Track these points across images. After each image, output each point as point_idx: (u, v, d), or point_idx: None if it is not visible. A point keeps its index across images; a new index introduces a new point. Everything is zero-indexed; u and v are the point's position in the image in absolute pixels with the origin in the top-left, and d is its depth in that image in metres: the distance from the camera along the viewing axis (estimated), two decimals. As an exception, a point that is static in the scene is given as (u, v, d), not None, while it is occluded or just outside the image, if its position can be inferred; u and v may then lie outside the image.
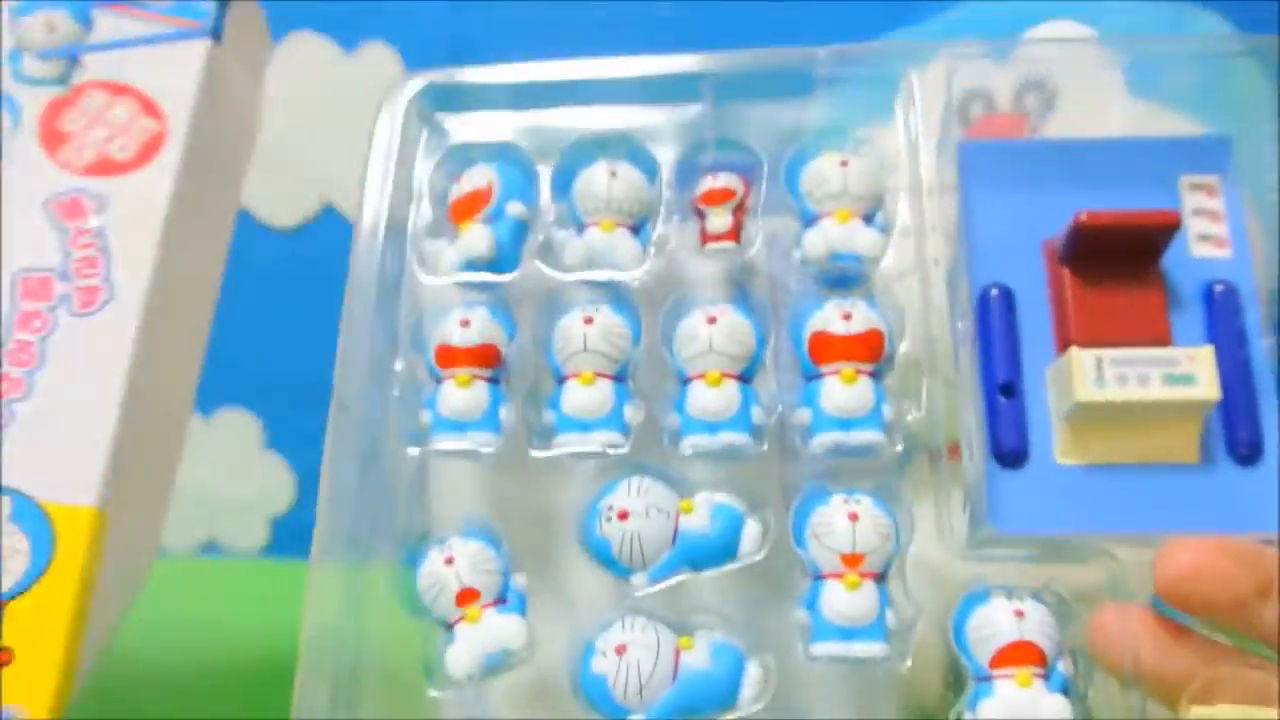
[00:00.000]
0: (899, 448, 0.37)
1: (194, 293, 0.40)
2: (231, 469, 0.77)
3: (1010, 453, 0.37)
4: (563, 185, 0.41)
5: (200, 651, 0.68)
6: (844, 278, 0.39)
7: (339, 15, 0.70)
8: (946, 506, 0.37)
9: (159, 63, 0.38)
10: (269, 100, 0.69)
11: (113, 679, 0.68)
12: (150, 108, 0.37)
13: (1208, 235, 0.40)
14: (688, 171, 0.41)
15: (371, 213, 0.40)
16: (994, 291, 0.39)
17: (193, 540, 0.77)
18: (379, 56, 0.70)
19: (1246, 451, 0.37)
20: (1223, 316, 0.39)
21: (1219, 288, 0.39)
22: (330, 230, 0.72)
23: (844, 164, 0.39)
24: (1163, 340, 0.38)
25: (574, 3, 0.68)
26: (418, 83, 0.42)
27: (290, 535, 0.77)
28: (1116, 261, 0.38)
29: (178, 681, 0.66)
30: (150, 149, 0.37)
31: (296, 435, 0.76)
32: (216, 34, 0.38)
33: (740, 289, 0.40)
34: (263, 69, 0.42)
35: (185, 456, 0.76)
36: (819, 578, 0.36)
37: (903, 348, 0.38)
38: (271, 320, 0.74)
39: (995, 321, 0.39)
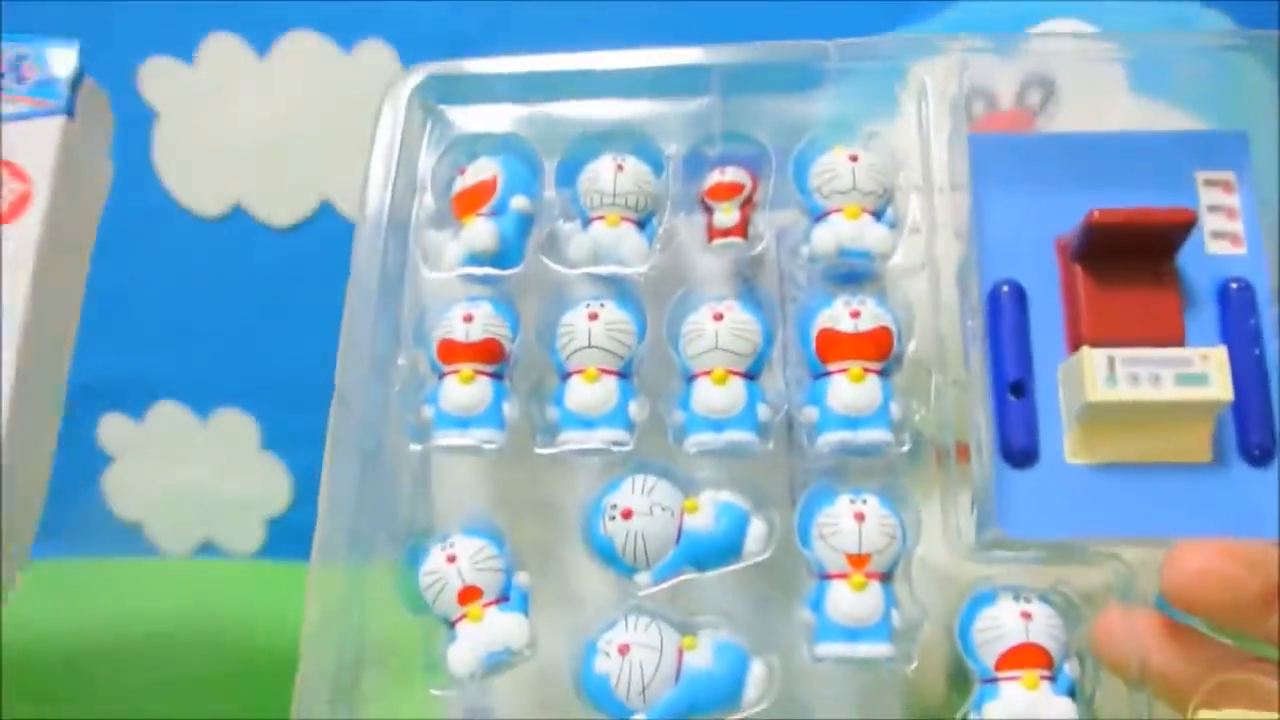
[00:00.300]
0: (905, 448, 0.37)
1: (58, 328, 0.48)
2: (228, 470, 0.77)
3: (1020, 452, 0.38)
4: (568, 178, 0.41)
5: (196, 652, 0.69)
6: (853, 274, 0.39)
7: (337, 14, 0.70)
8: (954, 507, 0.37)
9: (24, 135, 0.45)
10: (268, 98, 0.70)
11: (110, 677, 0.69)
12: (18, 173, 0.45)
13: (1223, 232, 0.40)
14: (695, 165, 0.41)
15: (374, 205, 0.41)
16: (1005, 288, 0.39)
17: (189, 541, 0.78)
18: (377, 55, 0.70)
19: (1259, 453, 0.38)
20: (1237, 315, 0.39)
21: (1234, 286, 0.39)
22: (328, 229, 0.72)
23: (853, 159, 0.39)
24: (1176, 339, 0.38)
25: (574, 2, 0.68)
26: (421, 73, 0.42)
27: (287, 537, 0.78)
28: (1130, 259, 0.39)
29: (174, 681, 0.67)
30: (18, 207, 0.44)
31: (294, 436, 0.77)
32: (70, 112, 0.46)
33: (747, 284, 0.40)
34: (109, 145, 0.50)
35: (182, 458, 0.77)
36: (824, 577, 0.36)
37: (911, 346, 0.39)
38: (269, 320, 0.74)
39: (1006, 319, 0.39)
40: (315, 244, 0.73)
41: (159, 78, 0.71)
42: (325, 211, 0.71)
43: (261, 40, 0.71)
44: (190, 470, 0.78)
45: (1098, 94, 0.46)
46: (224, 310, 0.74)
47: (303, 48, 0.71)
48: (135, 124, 0.71)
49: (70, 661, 0.71)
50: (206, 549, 0.78)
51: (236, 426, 0.77)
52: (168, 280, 0.74)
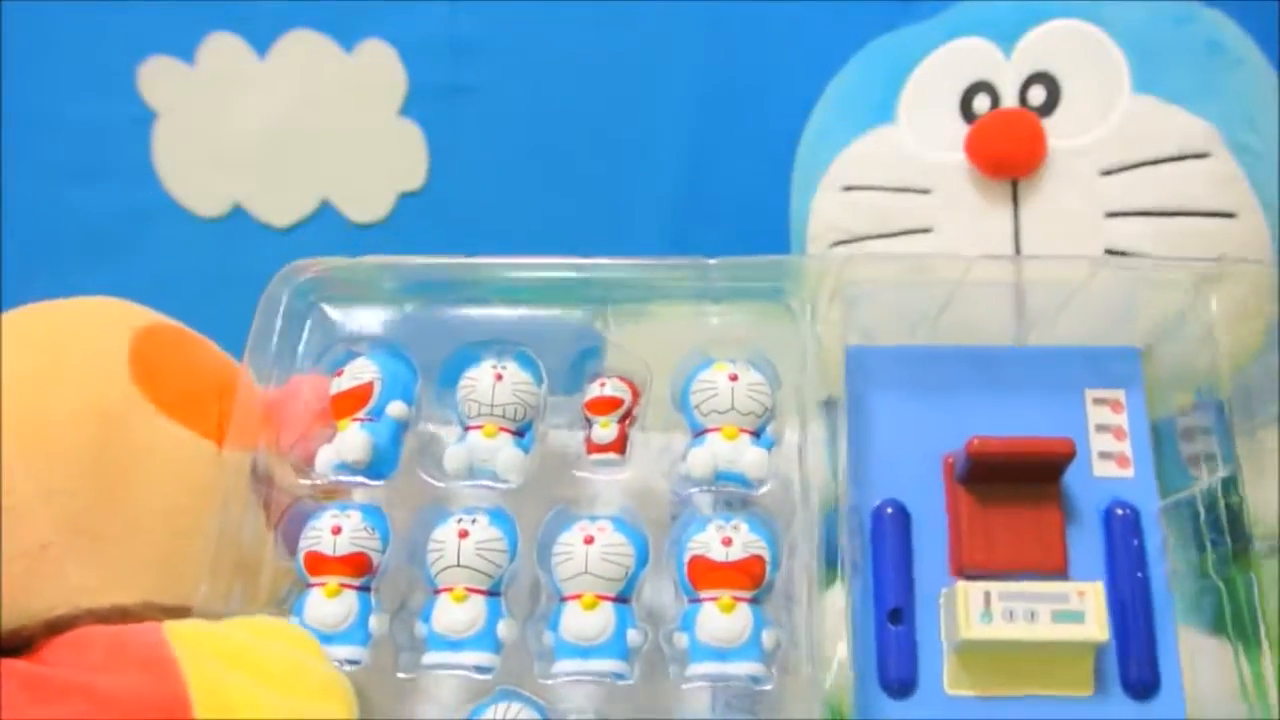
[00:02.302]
0: (769, 686, 0.37)
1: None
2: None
3: (897, 683, 0.38)
4: (448, 381, 0.42)
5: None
6: (728, 498, 0.40)
7: (337, 14, 0.72)
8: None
9: None
10: (268, 98, 0.71)
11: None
12: None
13: (1110, 453, 0.41)
14: (577, 376, 0.42)
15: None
16: (889, 510, 0.40)
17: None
18: (377, 55, 0.72)
19: (1140, 687, 0.38)
20: (1122, 543, 0.40)
21: (1120, 511, 0.40)
22: (328, 229, 0.73)
23: (733, 378, 0.40)
24: (1058, 568, 0.39)
25: (572, 2, 0.70)
26: (305, 271, 0.43)
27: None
28: (1013, 484, 0.40)
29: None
30: None
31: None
32: None
33: (626, 502, 0.41)
34: None
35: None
36: (688, 818, 0.37)
37: (786, 571, 0.39)
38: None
39: (888, 543, 0.40)
40: (315, 244, 0.73)
41: (159, 78, 0.72)
42: (325, 211, 0.72)
43: (261, 40, 0.73)
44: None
45: (1099, 91, 0.47)
46: (224, 310, 0.75)
47: (303, 48, 0.73)
48: (135, 124, 0.72)
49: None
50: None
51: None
52: (168, 280, 0.75)
